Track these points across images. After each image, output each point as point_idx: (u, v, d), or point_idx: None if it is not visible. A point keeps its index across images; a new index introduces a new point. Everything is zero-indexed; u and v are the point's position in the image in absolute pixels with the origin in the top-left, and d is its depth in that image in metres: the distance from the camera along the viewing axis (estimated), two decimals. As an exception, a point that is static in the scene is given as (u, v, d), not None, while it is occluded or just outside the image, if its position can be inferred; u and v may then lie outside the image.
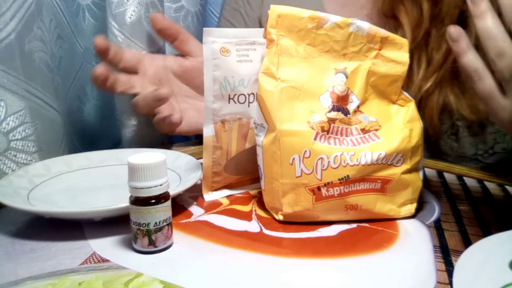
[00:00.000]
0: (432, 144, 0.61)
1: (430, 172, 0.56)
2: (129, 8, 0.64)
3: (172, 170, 0.50)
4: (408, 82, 0.59)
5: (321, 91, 0.41)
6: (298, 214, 0.41)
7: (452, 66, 0.57)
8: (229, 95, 0.45)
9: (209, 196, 0.48)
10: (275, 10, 0.40)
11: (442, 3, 0.57)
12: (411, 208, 0.42)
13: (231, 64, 0.44)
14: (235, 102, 0.46)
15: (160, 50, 0.69)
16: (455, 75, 0.57)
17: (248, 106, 0.46)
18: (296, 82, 0.40)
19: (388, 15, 0.61)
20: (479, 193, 0.49)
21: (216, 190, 0.48)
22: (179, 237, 0.39)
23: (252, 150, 0.46)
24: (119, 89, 0.62)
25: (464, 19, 0.56)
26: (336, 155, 0.39)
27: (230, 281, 0.33)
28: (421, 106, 0.58)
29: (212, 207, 0.45)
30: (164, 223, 0.36)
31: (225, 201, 0.47)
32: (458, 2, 0.55)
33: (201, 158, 0.47)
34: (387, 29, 0.51)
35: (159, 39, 0.69)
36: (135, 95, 0.63)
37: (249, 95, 0.46)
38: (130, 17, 0.64)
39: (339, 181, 0.39)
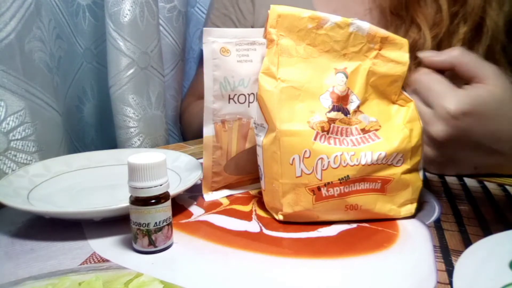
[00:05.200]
0: None
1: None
2: (124, 7, 0.64)
3: (172, 170, 0.50)
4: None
5: (321, 91, 0.41)
6: (298, 214, 0.41)
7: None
8: (229, 95, 0.45)
9: (209, 196, 0.48)
10: (275, 10, 0.40)
11: (465, 3, 0.57)
12: (411, 208, 0.42)
13: (231, 64, 0.44)
14: (235, 102, 0.46)
15: (153, 50, 0.69)
16: None
17: (248, 106, 0.46)
18: (296, 82, 0.40)
19: (395, 13, 0.61)
20: (479, 193, 0.49)
21: (216, 190, 0.48)
22: (179, 237, 0.39)
23: (252, 150, 0.46)
24: None
25: (481, 25, 0.57)
26: (336, 155, 0.39)
27: (230, 281, 0.33)
28: None
29: (212, 207, 0.45)
30: (164, 223, 0.36)
31: (225, 201, 0.47)
32: (481, 1, 0.56)
33: (201, 158, 0.47)
34: (389, 26, 0.51)
35: (154, 39, 0.69)
36: None
37: (249, 95, 0.46)
38: (125, 16, 0.64)
39: (339, 181, 0.40)
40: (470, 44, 0.58)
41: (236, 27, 0.75)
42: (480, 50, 0.58)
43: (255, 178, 0.48)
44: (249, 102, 0.46)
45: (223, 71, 0.44)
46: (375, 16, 0.65)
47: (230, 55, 0.44)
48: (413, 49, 0.59)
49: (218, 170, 0.47)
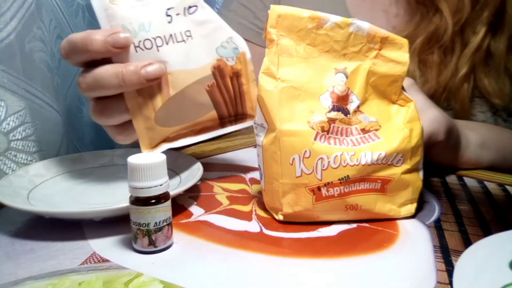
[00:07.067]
0: None
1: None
2: None
3: (172, 170, 0.50)
4: (441, 67, 0.60)
5: (321, 91, 0.41)
6: (298, 214, 0.41)
7: (487, 48, 0.58)
8: (134, 44, 0.44)
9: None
10: (275, 10, 0.40)
11: None
12: (411, 208, 0.42)
13: (125, 11, 0.43)
14: (143, 50, 0.44)
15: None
16: (489, 56, 0.59)
17: (158, 50, 0.44)
18: (296, 82, 0.40)
19: (420, 1, 0.62)
20: (479, 193, 0.49)
21: (155, 146, 0.47)
22: (179, 237, 0.39)
23: (178, 97, 0.45)
24: None
25: (502, 13, 0.58)
26: (336, 155, 0.39)
27: (230, 281, 0.33)
28: (451, 92, 0.59)
29: (212, 207, 0.45)
30: (164, 223, 0.36)
31: (225, 201, 0.47)
32: None
33: (201, 158, 0.47)
34: (414, 14, 0.56)
35: None
36: None
37: (154, 39, 0.44)
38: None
39: (339, 181, 0.40)
40: (492, 30, 0.59)
41: (263, 2, 0.74)
42: (503, 37, 0.59)
43: (199, 130, 0.47)
44: (157, 46, 0.44)
45: (119, 20, 0.43)
46: (402, 4, 0.66)
47: (120, 1, 0.43)
48: (436, 35, 0.60)
49: (150, 125, 0.45)
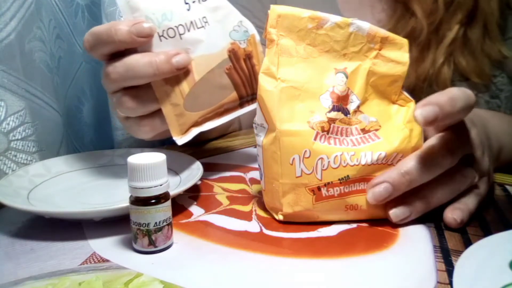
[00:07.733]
0: None
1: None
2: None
3: (172, 170, 0.50)
4: (419, 62, 0.61)
5: (321, 91, 0.41)
6: (298, 214, 0.41)
7: (464, 35, 0.60)
8: (158, 33, 0.45)
9: (181, 140, 0.47)
10: (275, 10, 0.40)
11: None
12: (411, 208, 0.42)
13: (147, 2, 0.45)
14: (166, 38, 0.45)
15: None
16: (465, 41, 0.60)
17: (181, 38, 0.46)
18: (296, 82, 0.40)
19: (400, 1, 0.63)
20: (479, 193, 0.49)
21: (185, 132, 0.48)
22: (179, 237, 0.39)
23: (203, 81, 0.46)
24: None
25: (475, 9, 0.59)
26: (336, 155, 0.39)
27: (230, 281, 0.33)
28: (432, 79, 0.61)
29: (212, 207, 0.45)
30: (164, 223, 0.36)
31: (225, 201, 0.47)
32: None
33: (201, 158, 0.47)
34: (393, 14, 0.55)
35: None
36: None
37: (177, 27, 0.45)
38: (121, 16, 0.64)
39: (339, 181, 0.40)
40: (466, 26, 0.61)
41: (262, 3, 0.75)
42: (477, 27, 0.60)
43: (222, 112, 0.49)
44: (179, 34, 0.46)
45: (142, 11, 0.44)
46: (386, 1, 0.67)
47: None
48: (413, 36, 0.60)
49: (179, 112, 0.46)
